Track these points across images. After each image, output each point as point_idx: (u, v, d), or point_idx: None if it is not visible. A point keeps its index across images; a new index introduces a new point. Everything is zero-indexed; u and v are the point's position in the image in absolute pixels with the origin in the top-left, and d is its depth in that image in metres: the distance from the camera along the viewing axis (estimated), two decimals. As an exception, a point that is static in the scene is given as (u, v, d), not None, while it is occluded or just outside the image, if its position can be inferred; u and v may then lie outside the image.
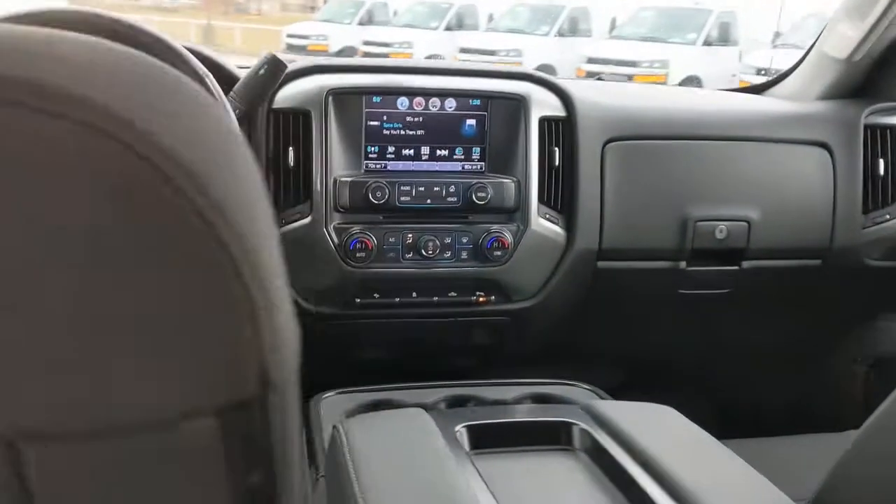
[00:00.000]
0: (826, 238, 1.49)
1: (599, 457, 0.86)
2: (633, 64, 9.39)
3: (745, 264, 1.47)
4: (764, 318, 1.61)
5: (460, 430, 0.88)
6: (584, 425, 0.91)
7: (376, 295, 1.34)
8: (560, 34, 11.09)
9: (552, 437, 0.91)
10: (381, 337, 1.43)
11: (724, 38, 10.25)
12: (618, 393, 1.24)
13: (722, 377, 1.67)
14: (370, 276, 1.32)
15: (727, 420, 1.47)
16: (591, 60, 9.65)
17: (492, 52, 10.37)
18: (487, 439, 0.89)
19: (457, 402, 1.10)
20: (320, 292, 1.33)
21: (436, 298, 1.36)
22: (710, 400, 1.60)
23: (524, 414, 0.98)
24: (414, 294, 1.36)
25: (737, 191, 1.45)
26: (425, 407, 1.03)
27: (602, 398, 1.14)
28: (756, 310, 1.57)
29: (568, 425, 0.91)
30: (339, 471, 0.80)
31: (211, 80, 1.10)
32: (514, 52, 10.43)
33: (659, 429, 0.90)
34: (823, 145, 1.48)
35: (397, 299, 1.35)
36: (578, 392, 1.14)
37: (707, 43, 10.13)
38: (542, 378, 1.25)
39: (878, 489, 0.69)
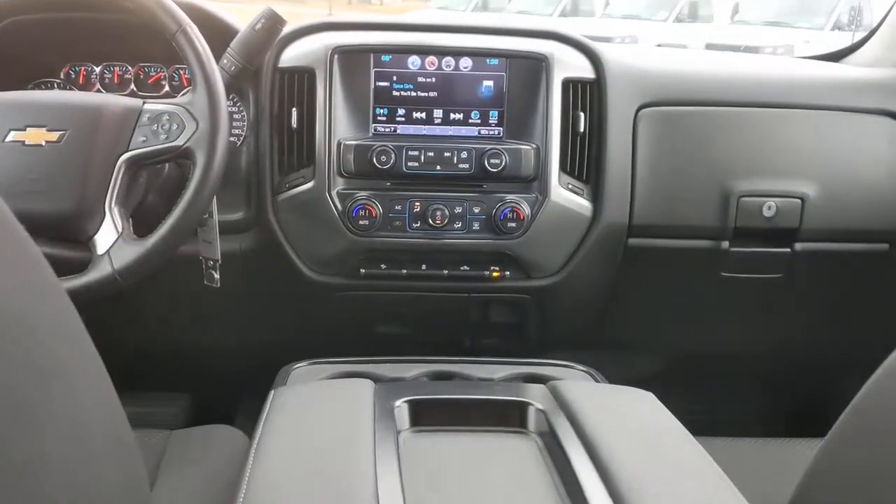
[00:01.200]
0: (895, 219, 1.32)
1: (550, 440, 0.76)
2: (754, 50, 8.90)
3: (799, 247, 1.32)
4: (819, 310, 1.44)
5: (400, 404, 0.80)
6: (541, 406, 0.81)
7: (383, 266, 1.27)
8: (679, 20, 10.70)
9: (505, 417, 0.81)
10: (391, 311, 1.36)
11: (855, 22, 9.60)
12: (645, 385, 1.12)
13: (767, 374, 1.51)
14: (375, 245, 1.25)
15: (769, 422, 1.32)
16: (709, 46, 9.23)
17: (606, 40, 10.07)
18: (431, 416, 0.81)
19: (438, 379, 1.02)
20: (324, 261, 1.27)
21: (446, 272, 1.28)
22: (753, 399, 1.45)
23: (483, 392, 0.89)
24: (423, 266, 1.28)
25: (788, 163, 1.30)
26: (398, 381, 0.96)
27: (597, 381, 1.03)
28: (811, 299, 1.41)
29: (524, 405, 0.82)
30: (253, 438, 0.74)
31: (193, 31, 1.06)
32: (629, 39, 10.09)
33: (624, 415, 0.80)
34: (892, 115, 1.31)
35: (404, 271, 1.27)
36: (572, 374, 1.04)
37: (837, 27, 9.53)
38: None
39: (846, 499, 0.57)
